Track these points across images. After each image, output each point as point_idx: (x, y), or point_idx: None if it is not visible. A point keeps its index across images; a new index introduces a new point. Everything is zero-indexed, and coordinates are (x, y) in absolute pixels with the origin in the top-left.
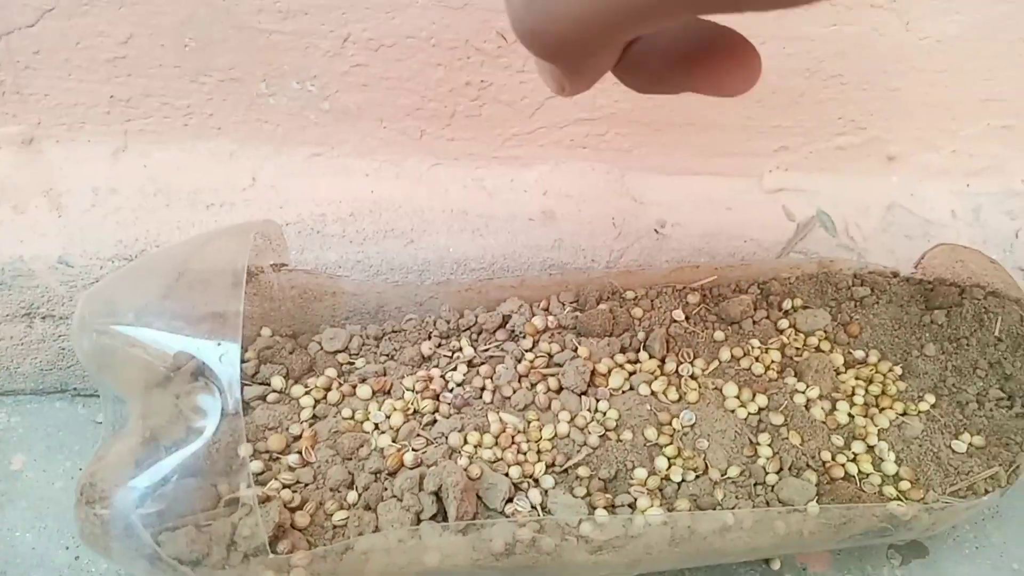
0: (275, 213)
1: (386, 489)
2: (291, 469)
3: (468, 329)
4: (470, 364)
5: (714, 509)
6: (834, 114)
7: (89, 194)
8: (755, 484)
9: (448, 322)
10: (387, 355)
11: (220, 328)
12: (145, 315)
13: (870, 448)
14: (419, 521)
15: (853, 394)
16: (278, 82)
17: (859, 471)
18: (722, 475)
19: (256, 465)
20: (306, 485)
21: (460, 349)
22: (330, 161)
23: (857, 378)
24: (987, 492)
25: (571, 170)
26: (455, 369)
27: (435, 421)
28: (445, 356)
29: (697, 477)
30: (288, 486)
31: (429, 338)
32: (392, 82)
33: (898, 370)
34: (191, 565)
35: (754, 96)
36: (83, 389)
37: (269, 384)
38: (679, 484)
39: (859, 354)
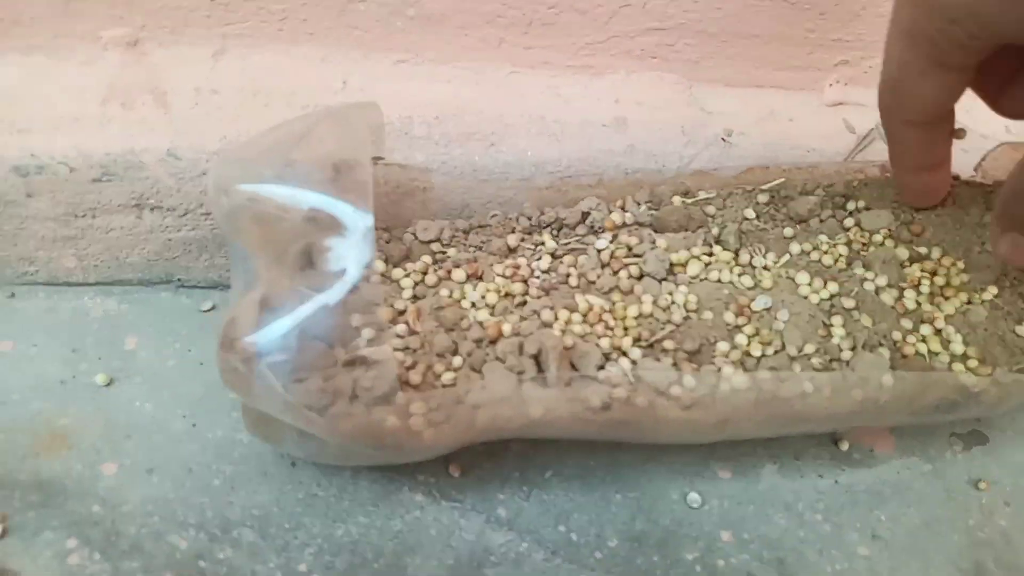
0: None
1: (488, 354)
2: (400, 337)
3: (549, 225)
4: (553, 255)
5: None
6: None
7: (192, 93)
8: (830, 360)
9: (530, 218)
10: (475, 247)
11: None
12: (274, 177)
13: (938, 331)
14: (521, 381)
15: (919, 284)
16: None
17: (929, 350)
18: (799, 351)
19: (368, 332)
20: (415, 351)
21: (543, 243)
22: (415, 67)
23: (922, 270)
24: None
25: (641, 80)
26: (539, 259)
27: (525, 302)
28: (529, 248)
29: (776, 353)
30: (399, 350)
31: (513, 232)
32: None
33: (961, 264)
34: (319, 411)
35: (818, 8)
36: (187, 280)
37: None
38: (759, 359)
39: (922, 250)
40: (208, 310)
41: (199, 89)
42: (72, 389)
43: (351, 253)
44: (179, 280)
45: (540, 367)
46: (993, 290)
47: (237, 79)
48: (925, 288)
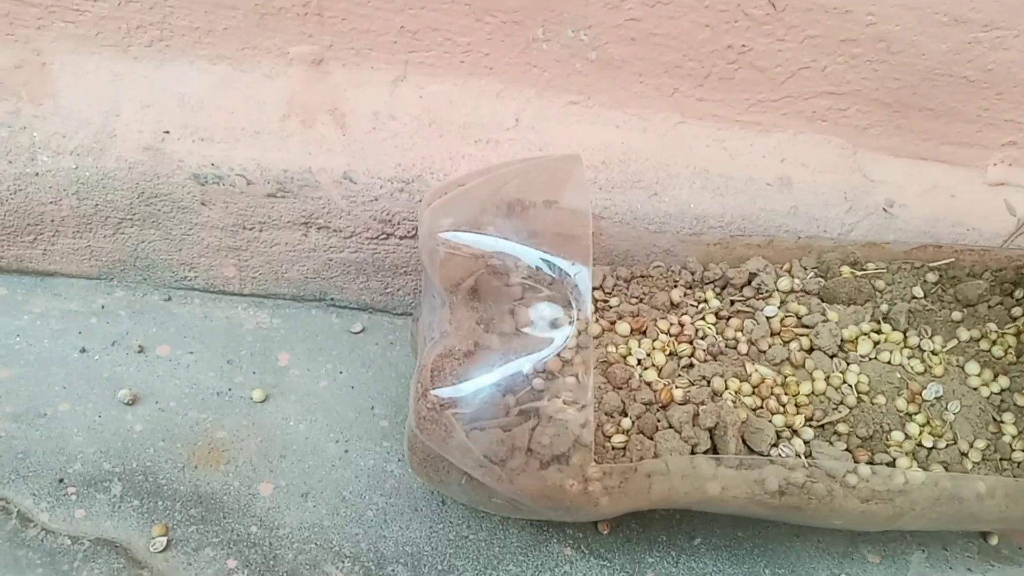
0: (534, 154)
1: (659, 420)
2: (569, 391)
3: (713, 282)
4: (717, 316)
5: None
6: None
7: (370, 117)
8: (1001, 459)
9: (693, 273)
10: (638, 298)
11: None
12: (484, 228)
13: None
14: (693, 453)
15: None
16: (555, 29)
17: None
18: (970, 446)
19: (539, 383)
20: (583, 407)
21: (707, 300)
22: (585, 110)
23: None
24: None
25: (808, 140)
26: (704, 319)
27: (692, 364)
28: (692, 304)
29: (947, 446)
30: (568, 404)
31: (676, 286)
32: (659, 38)
33: None
34: (498, 463)
35: (996, 88)
36: (339, 300)
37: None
38: (930, 450)
39: None
40: (358, 332)
41: (377, 113)
42: (229, 402)
43: (557, 313)
44: (331, 299)
45: (714, 441)
46: None
47: (414, 106)
48: None
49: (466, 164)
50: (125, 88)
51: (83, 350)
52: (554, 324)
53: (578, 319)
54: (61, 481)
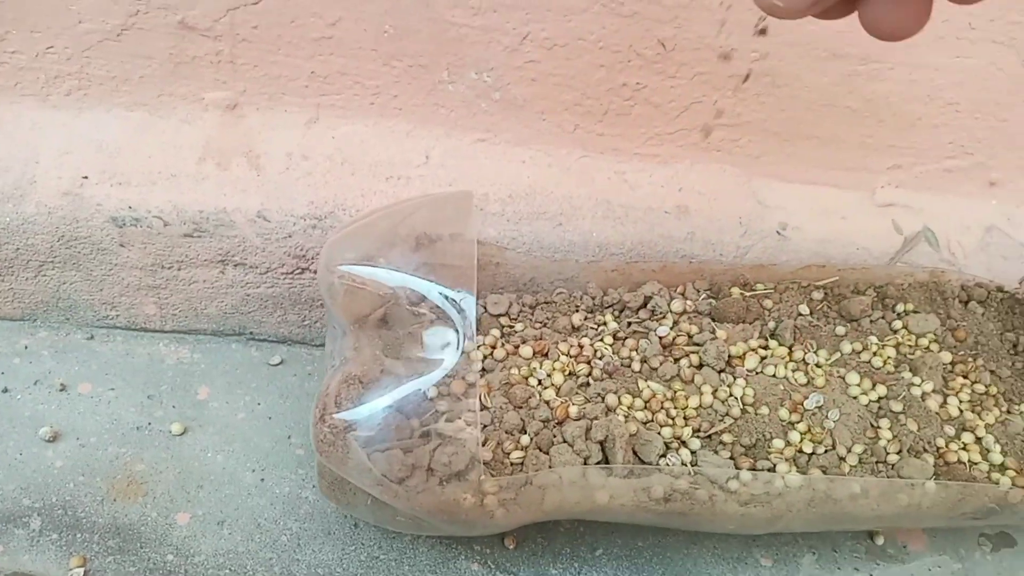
0: (444, 190)
1: (555, 436)
2: (471, 412)
3: (612, 306)
4: (615, 337)
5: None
6: (945, 139)
7: (284, 158)
8: (877, 462)
9: (594, 298)
10: (541, 322)
11: (438, 277)
12: (374, 261)
13: (978, 439)
14: (586, 465)
15: (960, 391)
16: (459, 71)
17: (969, 459)
18: (848, 450)
19: (443, 405)
20: (484, 427)
21: (605, 323)
22: (492, 147)
23: (964, 376)
24: None
25: (704, 170)
26: (602, 340)
27: (589, 384)
28: (592, 328)
29: (826, 451)
30: (470, 425)
31: (577, 310)
32: (558, 79)
33: (1003, 372)
34: (397, 482)
35: (876, 116)
36: (258, 334)
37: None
38: (810, 456)
39: (966, 357)
40: (276, 364)
41: (291, 154)
42: (148, 436)
43: (449, 337)
44: (251, 333)
45: (605, 453)
46: None
47: (327, 147)
48: (966, 395)
49: (377, 200)
50: (44, 136)
51: (5, 390)
52: (446, 349)
53: (466, 345)
54: None
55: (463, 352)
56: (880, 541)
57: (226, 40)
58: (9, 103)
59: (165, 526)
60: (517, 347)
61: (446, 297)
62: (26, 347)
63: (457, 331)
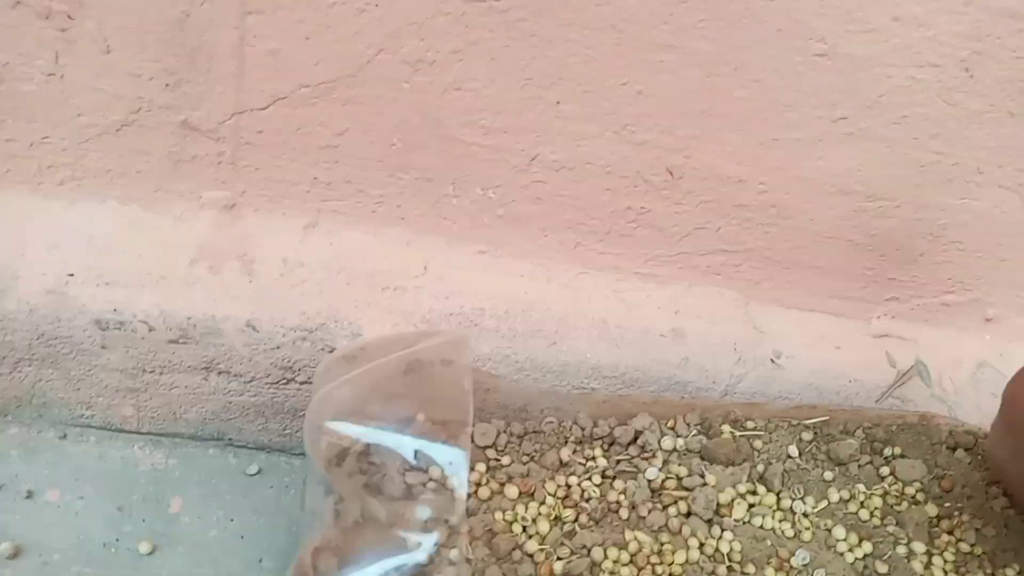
0: (441, 302)
1: None
2: (451, 564)
3: (601, 439)
4: (603, 475)
5: None
6: (945, 274)
7: (279, 263)
8: None
9: (583, 429)
10: (529, 456)
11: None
12: (372, 419)
13: None
14: None
15: (945, 550)
16: (464, 186)
17: None
18: None
19: (422, 556)
20: None
21: (594, 458)
22: (493, 259)
23: (950, 532)
24: None
25: (702, 293)
26: (590, 479)
27: (575, 531)
28: (580, 464)
29: None
30: None
31: (566, 443)
32: (563, 199)
33: (988, 531)
34: None
35: (879, 250)
36: (237, 440)
37: (427, 472)
38: None
39: (951, 511)
40: (254, 474)
41: (287, 260)
42: (115, 554)
43: (441, 506)
44: (229, 439)
45: None
46: (1016, 566)
47: (324, 253)
48: (951, 555)
49: (372, 312)
50: (33, 227)
51: None
52: (430, 522)
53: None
54: None
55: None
56: None
57: (229, 142)
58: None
59: None
60: (503, 485)
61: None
62: None
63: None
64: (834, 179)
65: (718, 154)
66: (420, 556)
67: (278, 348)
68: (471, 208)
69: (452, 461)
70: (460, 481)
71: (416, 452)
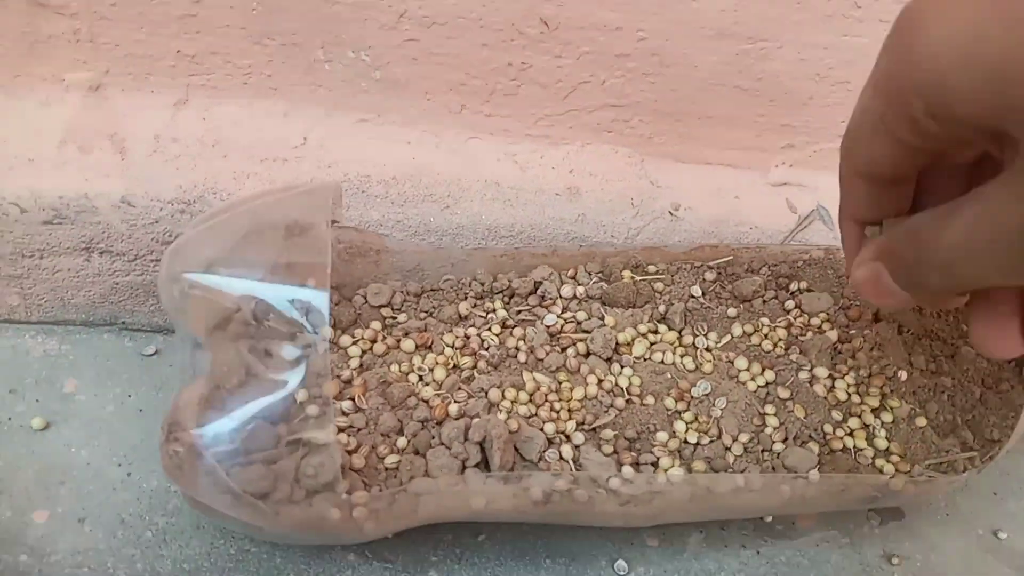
0: (323, 172)
1: (433, 437)
2: (344, 414)
3: (501, 292)
4: (503, 325)
5: (727, 471)
6: (838, 117)
7: (151, 141)
8: (763, 451)
9: (483, 284)
10: (427, 312)
11: (291, 278)
12: (224, 265)
13: (864, 425)
14: (464, 468)
15: (847, 374)
16: (335, 50)
17: (855, 445)
18: (733, 440)
19: (312, 409)
20: (359, 430)
21: (494, 310)
22: (376, 128)
23: (853, 358)
24: (965, 470)
25: (596, 151)
26: (490, 329)
27: (473, 377)
28: (480, 316)
29: (711, 442)
30: (343, 430)
31: (465, 298)
32: (440, 58)
33: (888, 349)
34: (261, 498)
35: (768, 96)
36: (131, 323)
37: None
38: (695, 447)
39: (856, 339)
40: (151, 354)
41: (159, 137)
42: (6, 432)
43: (294, 346)
44: (123, 323)
45: (484, 453)
46: (906, 371)
47: (197, 128)
48: (852, 378)
49: (252, 183)
50: None
51: None
52: (303, 356)
53: (320, 345)
54: None
55: (328, 347)
56: (768, 518)
57: (83, 18)
58: None
59: (21, 525)
60: (399, 340)
61: (298, 300)
62: None
63: (294, 340)
64: (711, 21)
65: (592, 1)
66: (284, 393)
67: (157, 222)
68: (346, 73)
69: (312, 301)
70: (321, 318)
71: (273, 302)
